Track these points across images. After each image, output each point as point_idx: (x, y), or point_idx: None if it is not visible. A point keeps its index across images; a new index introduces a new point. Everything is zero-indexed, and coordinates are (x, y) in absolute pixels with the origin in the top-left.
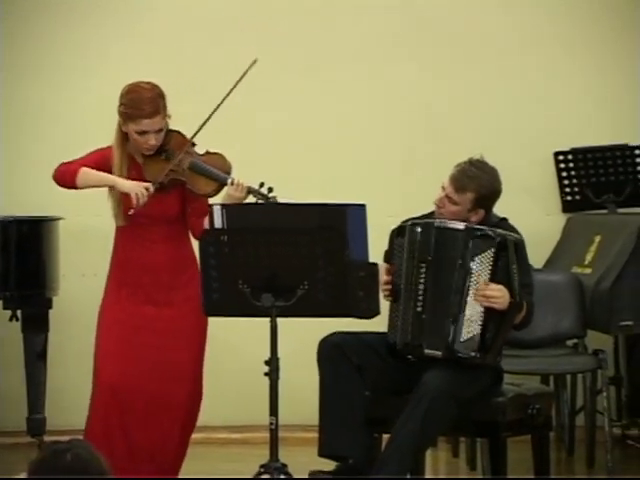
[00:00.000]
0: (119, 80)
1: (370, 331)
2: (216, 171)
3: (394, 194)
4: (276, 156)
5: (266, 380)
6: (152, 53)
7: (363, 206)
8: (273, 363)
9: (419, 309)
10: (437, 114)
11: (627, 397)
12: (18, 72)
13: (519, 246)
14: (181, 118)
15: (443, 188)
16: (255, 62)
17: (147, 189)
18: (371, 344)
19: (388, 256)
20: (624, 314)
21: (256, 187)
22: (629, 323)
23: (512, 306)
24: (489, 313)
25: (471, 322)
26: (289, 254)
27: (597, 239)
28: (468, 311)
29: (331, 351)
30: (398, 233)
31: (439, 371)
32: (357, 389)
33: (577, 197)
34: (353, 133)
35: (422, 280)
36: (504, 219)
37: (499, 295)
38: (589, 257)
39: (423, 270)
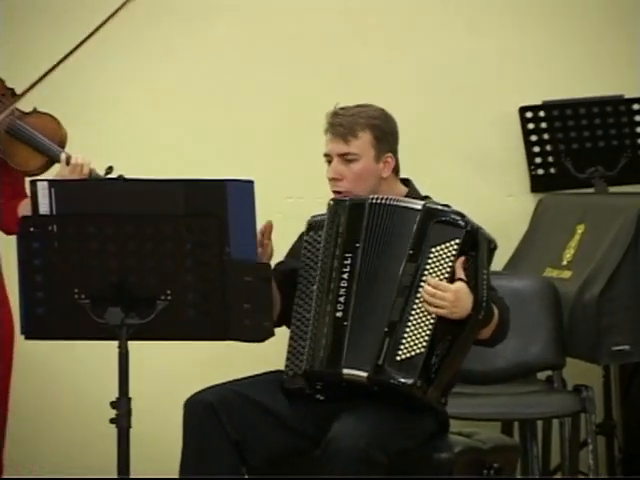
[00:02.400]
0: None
1: (263, 372)
2: (46, 141)
3: (293, 168)
4: (143, 125)
5: (113, 429)
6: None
7: (250, 183)
8: (122, 405)
9: (339, 314)
10: (350, 66)
11: (622, 452)
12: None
13: (493, 249)
14: None
15: (328, 155)
16: None
17: None
18: (261, 401)
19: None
20: (617, 335)
21: (101, 173)
22: (624, 348)
23: (472, 321)
24: (442, 329)
25: (415, 336)
26: (145, 252)
27: (580, 230)
28: (413, 320)
29: (202, 418)
30: (310, 228)
31: (355, 419)
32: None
33: (552, 170)
34: (240, 94)
35: (346, 276)
36: (427, 197)
37: (451, 299)
38: (568, 255)
39: (348, 262)
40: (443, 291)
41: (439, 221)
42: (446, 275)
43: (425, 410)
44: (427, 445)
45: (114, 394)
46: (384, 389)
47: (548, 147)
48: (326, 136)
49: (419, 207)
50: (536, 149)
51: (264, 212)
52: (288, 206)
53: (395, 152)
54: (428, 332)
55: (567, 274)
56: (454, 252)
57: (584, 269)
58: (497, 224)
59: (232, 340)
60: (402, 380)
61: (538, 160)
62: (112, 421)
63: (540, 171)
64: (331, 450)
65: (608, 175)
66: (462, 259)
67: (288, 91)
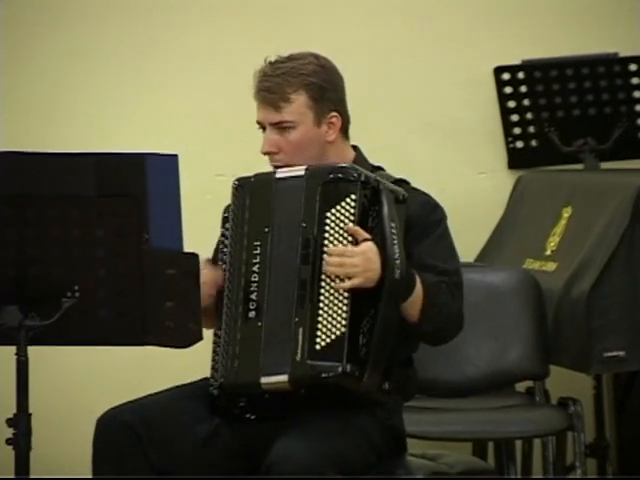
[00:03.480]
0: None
1: (192, 382)
2: None
3: (226, 140)
4: (58, 95)
5: (10, 451)
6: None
7: (173, 157)
8: (22, 424)
9: (252, 314)
10: (293, 17)
11: (617, 476)
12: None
13: (402, 201)
14: None
15: (260, 123)
16: None
17: None
18: (190, 420)
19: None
20: (611, 339)
21: None
22: (619, 354)
23: (388, 281)
24: (359, 302)
25: (331, 317)
26: (48, 240)
27: (566, 213)
28: (324, 299)
29: (120, 441)
30: (225, 220)
31: (296, 439)
32: None
33: (533, 143)
34: (160, 53)
35: (256, 268)
36: (379, 167)
37: (360, 262)
38: (553, 243)
39: (258, 252)
40: (350, 257)
41: (328, 181)
42: (350, 239)
43: (376, 425)
44: (381, 468)
45: (11, 410)
46: (312, 390)
47: (529, 115)
48: (255, 97)
49: (301, 172)
50: (514, 118)
51: (191, 193)
52: (220, 186)
53: (342, 107)
54: (344, 308)
55: (551, 266)
56: (352, 210)
57: (571, 260)
58: (467, 206)
59: (152, 345)
60: (329, 371)
61: (517, 131)
62: (9, 442)
63: (519, 144)
64: (275, 472)
65: (600, 148)
66: (352, 227)
67: (218, 48)
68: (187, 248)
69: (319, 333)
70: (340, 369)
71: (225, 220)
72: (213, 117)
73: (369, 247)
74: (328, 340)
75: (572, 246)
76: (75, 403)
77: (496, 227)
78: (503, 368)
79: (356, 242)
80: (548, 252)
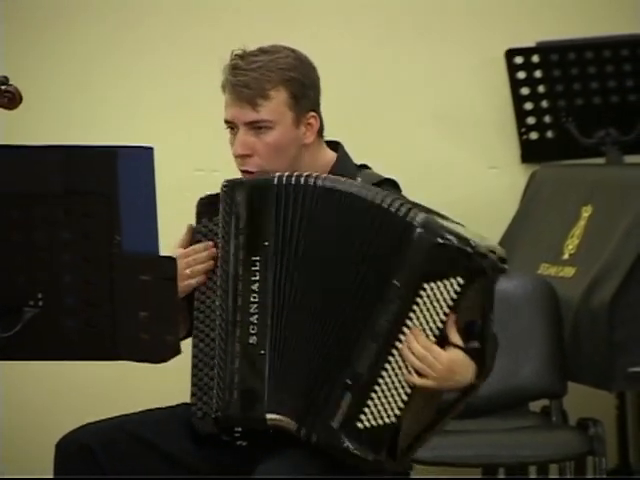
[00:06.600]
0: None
1: (166, 407)
2: None
3: (205, 133)
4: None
5: None
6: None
7: (149, 150)
8: None
9: (252, 340)
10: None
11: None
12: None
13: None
14: None
15: (230, 122)
16: None
17: None
18: (158, 443)
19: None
20: (636, 353)
21: None
22: None
23: (471, 392)
24: (423, 394)
25: (385, 399)
26: (9, 243)
27: (586, 212)
28: (387, 378)
29: (77, 465)
30: (201, 213)
31: (284, 461)
32: None
33: (548, 134)
34: (134, 39)
35: (256, 287)
36: (364, 166)
37: (441, 370)
38: (571, 246)
39: (257, 268)
40: (434, 357)
41: (438, 245)
42: (439, 326)
43: None
44: None
45: None
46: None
47: (544, 103)
48: (225, 95)
49: (417, 221)
50: (528, 106)
51: (168, 190)
52: (199, 181)
53: (318, 107)
54: (404, 397)
55: (569, 271)
56: (455, 297)
57: (592, 265)
58: (476, 205)
59: (124, 360)
60: (358, 454)
61: (531, 120)
62: None
63: (533, 135)
64: None
65: (623, 140)
66: (451, 323)
67: (197, 40)
68: (163, 251)
69: (367, 411)
70: (371, 457)
71: (200, 213)
72: (192, 108)
73: (458, 358)
74: (374, 423)
75: (592, 249)
76: (39, 424)
77: (507, 228)
78: (516, 385)
79: (443, 336)
80: (566, 256)
